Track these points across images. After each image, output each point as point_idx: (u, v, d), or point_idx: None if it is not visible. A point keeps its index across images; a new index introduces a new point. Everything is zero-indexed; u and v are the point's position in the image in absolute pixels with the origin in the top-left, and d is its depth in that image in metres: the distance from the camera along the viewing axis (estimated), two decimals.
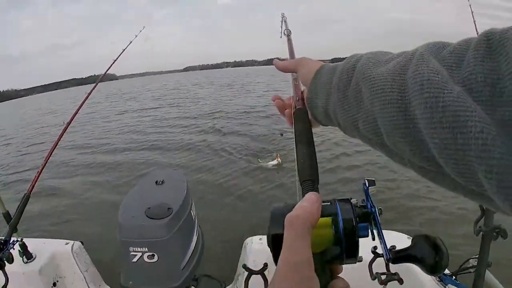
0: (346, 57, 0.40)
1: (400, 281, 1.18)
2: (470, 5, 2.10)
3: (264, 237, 1.13)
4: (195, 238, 1.49)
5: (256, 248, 1.61)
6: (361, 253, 0.30)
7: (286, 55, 0.60)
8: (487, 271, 1.27)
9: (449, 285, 1.35)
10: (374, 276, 1.20)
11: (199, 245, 1.53)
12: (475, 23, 2.02)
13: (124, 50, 2.22)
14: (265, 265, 1.08)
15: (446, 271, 1.46)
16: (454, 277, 1.43)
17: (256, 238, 1.69)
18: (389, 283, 1.20)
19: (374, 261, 1.19)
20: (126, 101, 23.64)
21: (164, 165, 6.42)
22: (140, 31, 2.45)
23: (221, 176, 5.57)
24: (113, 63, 2.16)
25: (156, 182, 1.61)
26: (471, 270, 1.35)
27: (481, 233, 1.19)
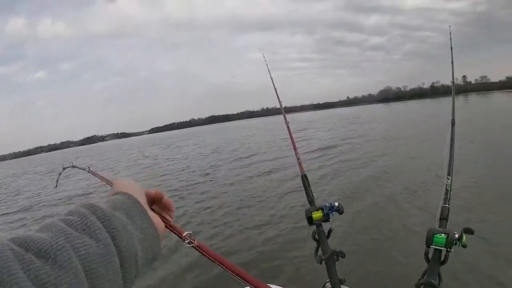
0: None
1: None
2: (266, 64, 2.45)
3: None
4: None
5: None
6: None
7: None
8: (341, 286, 1.33)
9: None
10: None
11: None
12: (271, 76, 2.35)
13: None
14: None
15: None
16: None
17: None
18: None
19: None
20: None
21: None
22: None
23: None
24: None
25: None
26: None
27: (323, 261, 1.24)
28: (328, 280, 1.36)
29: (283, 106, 1.92)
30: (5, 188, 18.27)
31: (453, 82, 1.70)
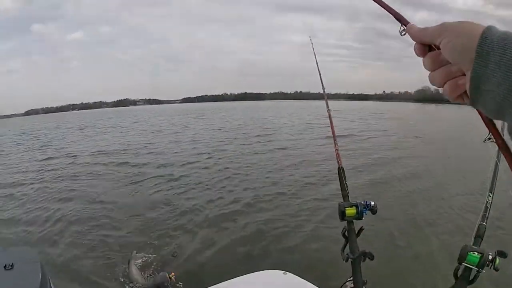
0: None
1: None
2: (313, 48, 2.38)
3: None
4: None
5: None
6: None
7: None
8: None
9: None
10: None
11: None
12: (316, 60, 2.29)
13: None
14: None
15: None
16: None
17: None
18: None
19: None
20: None
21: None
22: None
23: None
24: None
25: (5, 266, 1.31)
26: None
27: (350, 259, 1.19)
28: (350, 279, 1.31)
29: (326, 93, 1.82)
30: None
31: None
